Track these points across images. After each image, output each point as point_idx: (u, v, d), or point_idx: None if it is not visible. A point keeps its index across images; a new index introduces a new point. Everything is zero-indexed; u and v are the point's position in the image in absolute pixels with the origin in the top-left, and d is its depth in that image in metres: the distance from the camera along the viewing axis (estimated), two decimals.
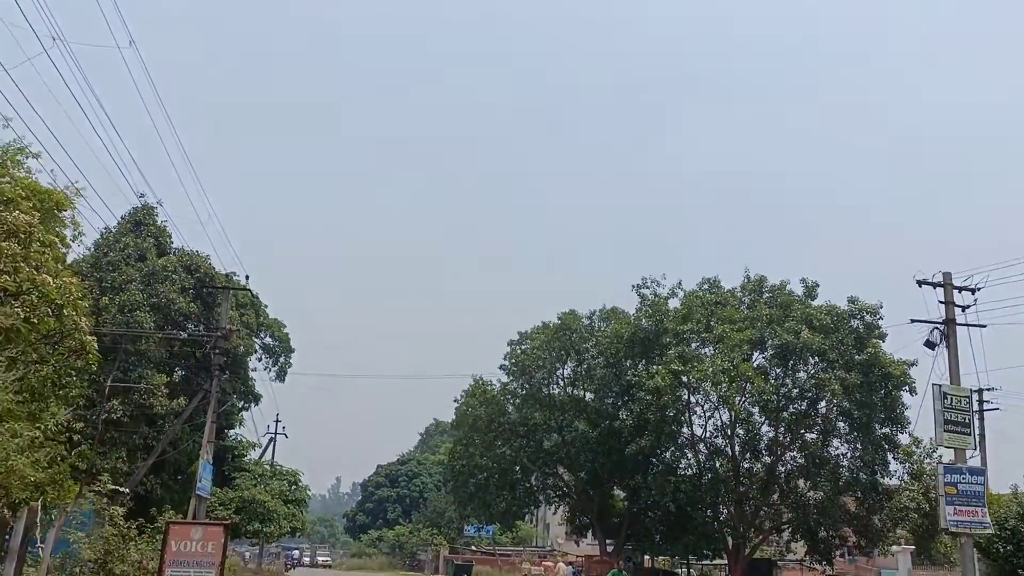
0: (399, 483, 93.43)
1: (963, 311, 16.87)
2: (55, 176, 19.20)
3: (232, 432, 42.35)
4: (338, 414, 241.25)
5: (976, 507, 15.47)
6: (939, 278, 16.88)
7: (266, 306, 42.02)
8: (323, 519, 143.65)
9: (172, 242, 35.44)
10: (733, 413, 38.43)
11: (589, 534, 51.33)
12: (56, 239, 16.65)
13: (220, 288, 29.24)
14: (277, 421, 52.55)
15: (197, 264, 34.38)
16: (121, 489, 20.75)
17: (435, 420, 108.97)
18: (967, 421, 16.03)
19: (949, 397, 15.96)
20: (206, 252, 35.89)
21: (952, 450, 16.19)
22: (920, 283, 16.77)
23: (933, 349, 16.55)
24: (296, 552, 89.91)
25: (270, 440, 50.75)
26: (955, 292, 16.85)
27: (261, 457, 47.91)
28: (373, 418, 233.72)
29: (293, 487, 39.36)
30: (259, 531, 35.11)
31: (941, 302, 16.78)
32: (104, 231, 33.72)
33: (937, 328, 16.62)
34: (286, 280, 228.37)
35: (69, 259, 32.54)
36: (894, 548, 26.77)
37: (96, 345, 14.20)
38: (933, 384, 16.16)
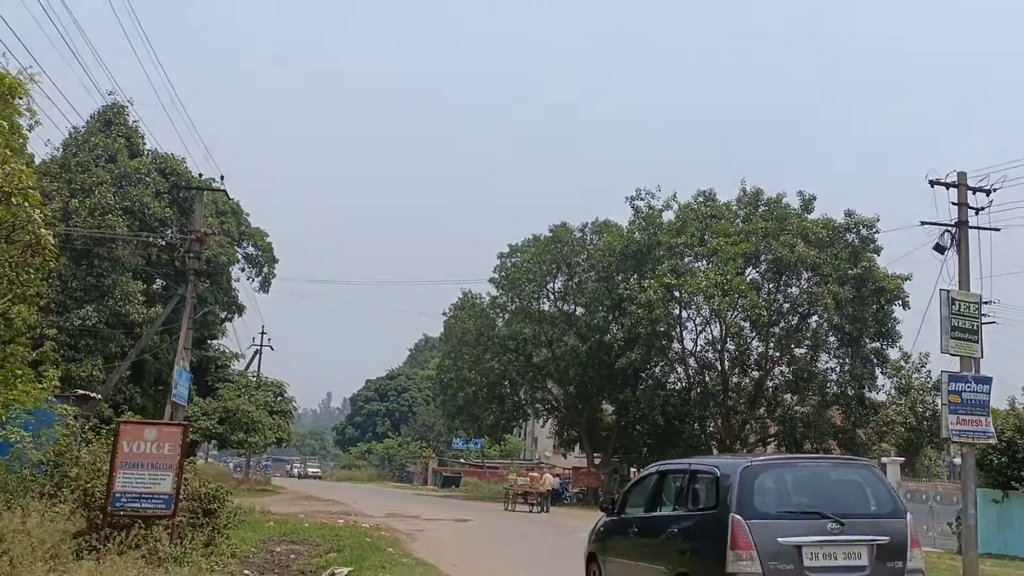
0: (388, 397, 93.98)
1: (976, 213, 15.92)
2: (7, 60, 17.82)
3: (215, 343, 41.69)
4: (328, 329, 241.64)
5: (980, 416, 14.86)
6: (953, 178, 15.84)
7: (248, 215, 40.77)
8: (314, 433, 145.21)
9: (145, 143, 33.93)
10: (724, 327, 37.98)
11: (576, 447, 51.61)
12: (6, 124, 15.22)
13: (194, 188, 27.86)
14: (263, 333, 51.87)
15: (172, 167, 32.97)
16: (92, 395, 19.98)
17: (424, 336, 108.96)
18: (975, 328, 15.28)
19: (957, 303, 15.16)
20: (181, 156, 34.49)
21: (958, 358, 15.45)
22: (932, 183, 15.74)
23: (943, 253, 15.62)
24: (270, 463, 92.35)
25: (255, 352, 50.22)
26: (968, 193, 15.85)
27: (247, 369, 47.44)
28: (364, 334, 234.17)
29: (278, 398, 38.88)
30: (243, 441, 34.73)
31: (953, 203, 15.78)
32: (72, 130, 32.17)
33: (948, 231, 15.67)
34: (270, 190, 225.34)
35: (37, 160, 31.14)
36: (884, 459, 26.55)
37: (52, 240, 13.05)
38: (941, 289, 15.31)
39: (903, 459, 28.19)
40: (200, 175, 27.33)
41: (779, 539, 7.05)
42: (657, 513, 8.77)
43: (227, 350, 39.96)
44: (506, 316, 44.97)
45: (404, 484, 67.99)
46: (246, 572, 12.47)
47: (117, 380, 31.46)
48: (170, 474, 8.99)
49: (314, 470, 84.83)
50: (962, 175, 15.85)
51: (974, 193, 15.94)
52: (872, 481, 7.95)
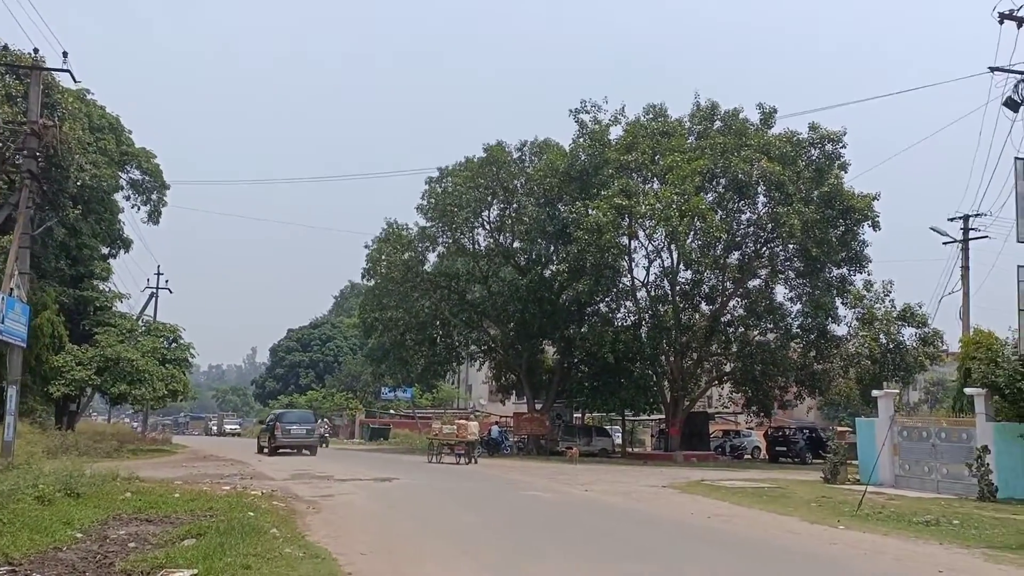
0: (312, 347, 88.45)
1: None
2: None
3: (103, 285, 35.96)
4: (247, 277, 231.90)
5: None
6: None
7: (130, 132, 34.86)
8: (236, 389, 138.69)
9: None
10: (679, 253, 34.32)
11: (514, 394, 47.85)
12: None
13: (26, 68, 22.11)
14: (159, 274, 45.78)
15: (24, 65, 26.89)
16: None
17: (350, 282, 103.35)
18: None
19: None
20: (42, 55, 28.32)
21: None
22: (1003, 17, 11.88)
23: (1016, 110, 11.88)
24: (187, 420, 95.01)
25: (151, 295, 44.31)
26: None
27: (141, 314, 41.75)
28: (286, 281, 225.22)
29: (173, 344, 33.56)
30: (127, 394, 29.52)
31: None
32: None
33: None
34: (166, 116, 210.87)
35: None
36: (875, 392, 23.35)
37: None
38: (1017, 158, 11.54)
39: (898, 391, 25.11)
40: (37, 55, 21.46)
41: (286, 427, 33.64)
42: (268, 423, 36.39)
43: (109, 289, 34.29)
44: (437, 249, 40.42)
45: (330, 438, 63.35)
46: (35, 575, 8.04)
47: None
48: None
49: (232, 427, 79.27)
50: None
51: None
52: (309, 415, 39.42)
